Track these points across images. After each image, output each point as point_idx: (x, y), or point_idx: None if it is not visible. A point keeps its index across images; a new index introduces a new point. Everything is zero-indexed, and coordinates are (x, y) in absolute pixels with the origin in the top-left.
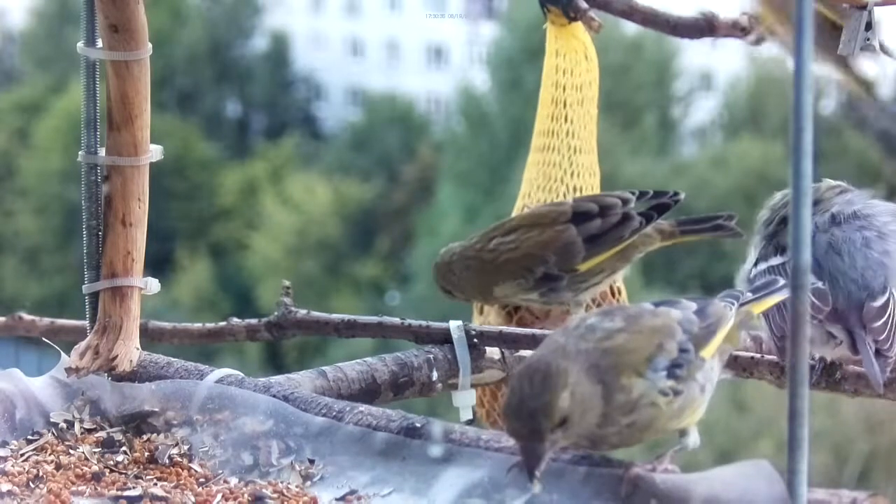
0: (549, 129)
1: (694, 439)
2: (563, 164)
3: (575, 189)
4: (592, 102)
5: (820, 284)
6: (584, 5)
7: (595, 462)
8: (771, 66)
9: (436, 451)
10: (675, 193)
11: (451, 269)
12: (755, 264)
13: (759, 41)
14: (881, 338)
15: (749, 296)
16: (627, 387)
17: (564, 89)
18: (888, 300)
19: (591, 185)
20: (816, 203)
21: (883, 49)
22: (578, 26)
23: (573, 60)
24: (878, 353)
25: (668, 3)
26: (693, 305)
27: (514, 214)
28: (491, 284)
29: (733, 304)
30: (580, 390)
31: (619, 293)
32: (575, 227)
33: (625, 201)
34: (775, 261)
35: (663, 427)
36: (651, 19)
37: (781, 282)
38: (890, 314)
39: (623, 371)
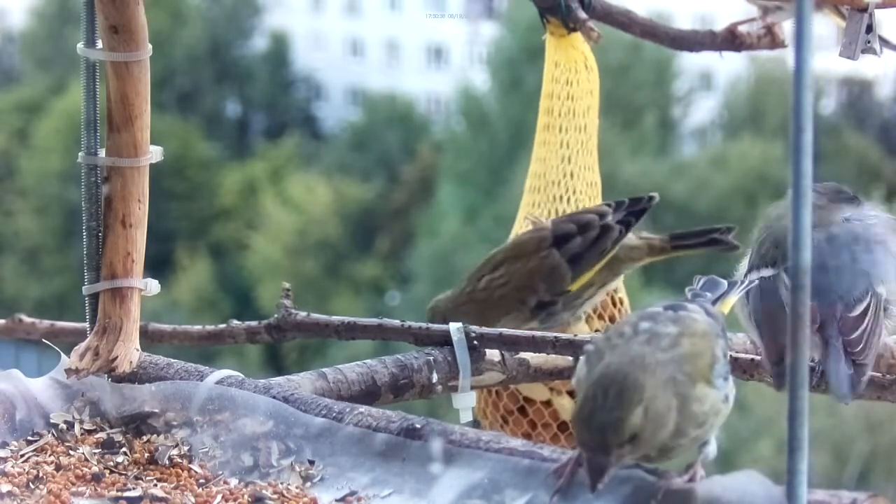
0: (548, 140)
1: (714, 447)
2: (563, 174)
3: (574, 200)
4: (592, 112)
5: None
6: (584, 16)
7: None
8: (771, 66)
9: (436, 469)
10: (650, 198)
11: (445, 319)
12: (748, 272)
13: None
14: (857, 349)
15: (710, 296)
16: (702, 397)
17: (564, 100)
18: (867, 308)
19: (591, 194)
20: (821, 208)
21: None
22: (578, 37)
23: (573, 71)
24: (854, 363)
25: (670, 3)
26: (699, 308)
27: (516, 225)
28: (491, 322)
29: (713, 303)
30: (656, 405)
31: (622, 303)
32: (557, 251)
33: (602, 215)
34: (767, 272)
35: (707, 435)
36: (650, 31)
37: (725, 284)
38: (868, 322)
39: (697, 380)
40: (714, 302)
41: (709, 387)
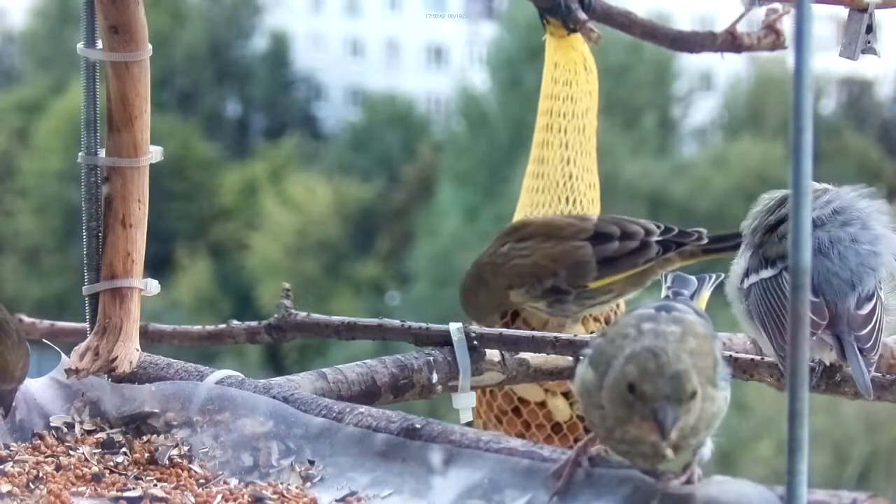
0: (547, 141)
1: (709, 448)
2: (562, 175)
3: (573, 201)
4: (592, 113)
5: (814, 298)
6: (584, 17)
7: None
8: (771, 66)
9: (436, 469)
10: (699, 237)
11: (467, 281)
12: (746, 275)
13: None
14: (867, 345)
15: (686, 292)
16: (711, 397)
17: (563, 101)
18: (874, 305)
19: (590, 196)
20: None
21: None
22: (578, 38)
23: (572, 72)
24: (862, 355)
25: (670, 4)
26: (688, 308)
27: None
28: (505, 287)
29: (691, 300)
30: (697, 376)
31: (618, 305)
32: (592, 247)
33: (648, 232)
34: (766, 273)
35: (705, 437)
36: (650, 32)
37: (695, 280)
38: (876, 319)
39: (705, 380)
40: (691, 297)
41: (714, 389)
